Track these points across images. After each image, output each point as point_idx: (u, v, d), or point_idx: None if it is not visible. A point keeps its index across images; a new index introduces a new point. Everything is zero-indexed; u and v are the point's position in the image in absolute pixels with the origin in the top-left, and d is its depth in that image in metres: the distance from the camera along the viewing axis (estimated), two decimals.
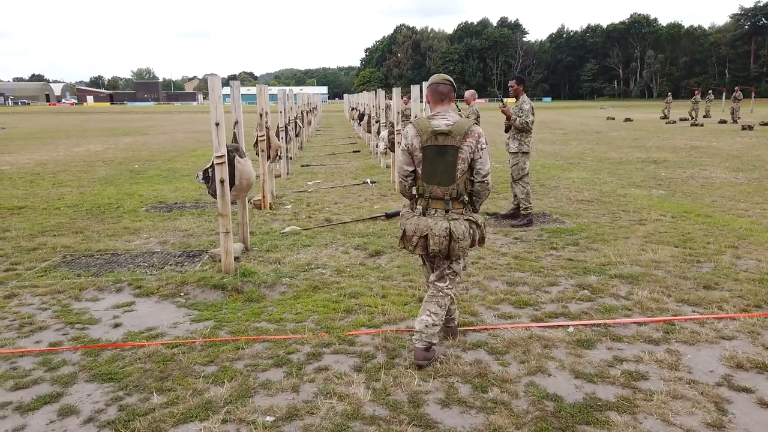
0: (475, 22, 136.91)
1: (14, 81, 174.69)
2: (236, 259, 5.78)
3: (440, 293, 3.65)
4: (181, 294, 4.96)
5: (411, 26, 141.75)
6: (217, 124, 5.17)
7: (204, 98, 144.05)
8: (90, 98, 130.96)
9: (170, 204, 9.09)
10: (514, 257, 5.83)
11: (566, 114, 45.16)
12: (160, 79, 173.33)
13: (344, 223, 7.57)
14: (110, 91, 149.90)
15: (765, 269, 5.24)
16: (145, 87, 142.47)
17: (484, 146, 3.49)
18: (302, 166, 13.89)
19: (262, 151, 8.38)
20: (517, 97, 7.29)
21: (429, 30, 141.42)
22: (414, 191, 3.67)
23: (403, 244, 3.68)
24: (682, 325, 4.09)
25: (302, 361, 3.66)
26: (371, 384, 3.33)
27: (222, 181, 5.27)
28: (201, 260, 5.92)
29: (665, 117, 33.14)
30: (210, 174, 5.57)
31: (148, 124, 36.60)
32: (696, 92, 34.11)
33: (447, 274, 3.67)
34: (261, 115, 8.26)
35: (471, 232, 3.52)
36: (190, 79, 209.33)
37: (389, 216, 7.81)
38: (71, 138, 23.99)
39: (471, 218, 3.54)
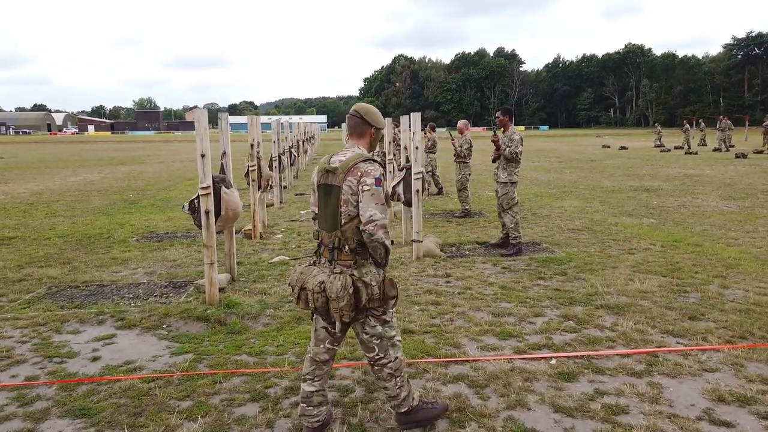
0: (473, 52, 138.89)
1: (16, 111, 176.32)
2: (222, 289, 5.76)
3: (375, 366, 3.10)
4: (164, 326, 4.92)
5: (409, 56, 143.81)
6: (202, 156, 5.20)
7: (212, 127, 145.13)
8: (91, 128, 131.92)
9: (161, 234, 9.08)
10: (501, 287, 5.80)
11: (562, 142, 45.50)
12: (162, 109, 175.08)
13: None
14: (111, 121, 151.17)
15: (752, 299, 5.22)
16: (146, 116, 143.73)
17: (366, 187, 2.85)
18: (296, 194, 13.93)
19: (253, 180, 8.41)
20: (505, 129, 7.36)
21: (427, 60, 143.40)
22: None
23: (291, 292, 3.14)
24: (665, 357, 4.05)
25: (279, 395, 3.62)
26: (347, 419, 3.28)
27: (207, 212, 5.28)
28: (186, 291, 5.89)
29: (661, 145, 33.37)
30: (196, 205, 5.58)
31: (146, 153, 36.81)
32: (685, 122, 34.50)
33: (365, 340, 3.07)
34: (252, 145, 8.31)
35: (350, 291, 2.84)
36: (191, 109, 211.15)
37: None
38: (69, 167, 24.11)
39: (356, 274, 2.89)
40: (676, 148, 31.10)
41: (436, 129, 13.63)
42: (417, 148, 6.84)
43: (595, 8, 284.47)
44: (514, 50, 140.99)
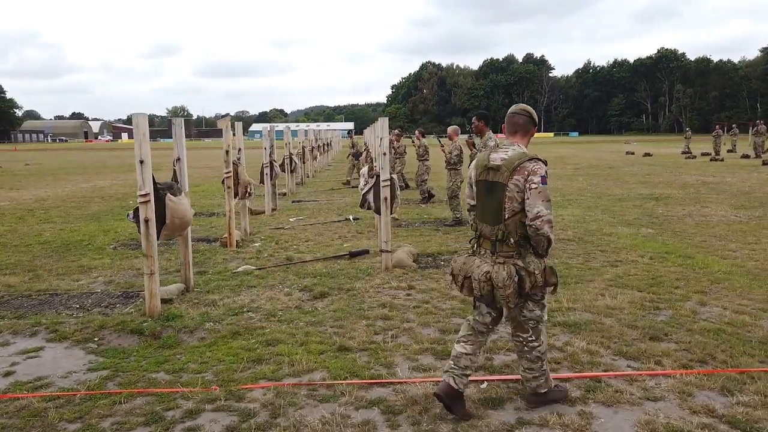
0: (501, 59, 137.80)
1: (55, 119, 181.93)
2: (170, 300, 5.56)
3: (526, 347, 3.34)
4: (96, 339, 4.73)
5: (437, 63, 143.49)
6: (141, 162, 5.02)
7: (234, 135, 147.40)
8: (125, 135, 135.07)
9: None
10: (461, 301, 5.45)
11: (586, 149, 44.54)
12: (194, 117, 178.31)
13: (304, 262, 7.30)
14: None
15: (726, 318, 4.77)
16: None
17: (534, 185, 3.07)
18: (293, 202, 13.75)
19: (228, 188, 8.23)
20: (481, 134, 7.06)
21: (455, 67, 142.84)
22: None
23: (453, 281, 3.45)
24: (608, 382, 3.66)
25: (176, 419, 3.36)
26: None
27: (146, 221, 5.08)
28: (135, 302, 5.70)
29: (688, 151, 32.30)
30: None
31: (168, 159, 37.24)
32: (717, 127, 33.38)
33: (522, 322, 3.33)
34: (227, 151, 8.14)
35: (515, 279, 3.08)
36: (222, 116, 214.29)
37: (354, 255, 7.52)
38: (86, 174, 24.49)
39: (520, 263, 3.13)
40: (702, 154, 30.04)
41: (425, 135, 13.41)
42: (385, 154, 6.56)
43: (628, 12, 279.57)
44: (543, 56, 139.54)
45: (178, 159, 6.00)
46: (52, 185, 19.15)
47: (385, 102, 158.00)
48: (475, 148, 7.13)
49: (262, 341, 4.55)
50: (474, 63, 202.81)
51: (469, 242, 3.48)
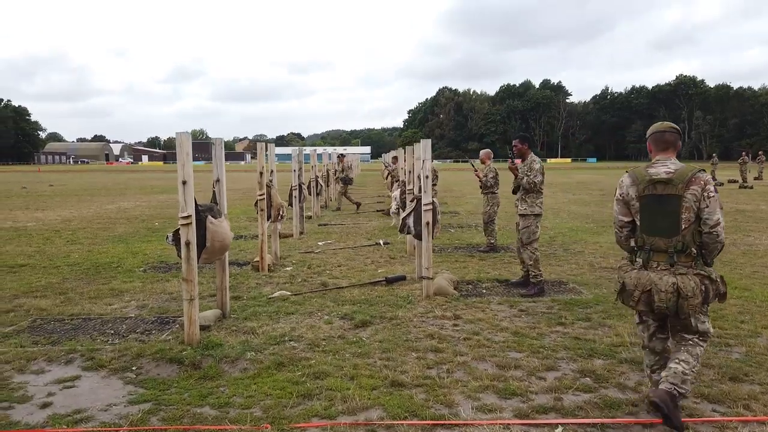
0: (518, 84, 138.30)
1: (77, 141, 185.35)
2: (208, 327, 5.34)
3: (690, 342, 3.38)
4: (134, 368, 4.50)
5: (453, 88, 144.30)
6: (183, 183, 4.84)
7: (252, 158, 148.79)
8: (145, 157, 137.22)
9: (171, 264, 8.79)
10: (513, 333, 5.16)
11: (607, 174, 44.06)
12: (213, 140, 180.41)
13: (340, 288, 7.05)
14: (164, 151, 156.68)
15: None
16: (197, 147, 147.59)
17: (711, 194, 3.25)
18: (320, 225, 13.56)
19: (262, 210, 8.06)
20: (523, 158, 6.81)
21: (471, 92, 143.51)
22: (632, 243, 3.52)
23: (622, 298, 3.51)
24: (696, 429, 3.34)
25: None
26: None
27: (187, 244, 4.89)
28: (171, 328, 5.48)
29: (713, 178, 31.71)
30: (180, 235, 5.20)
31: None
32: (744, 154, 32.83)
33: (690, 339, 3.38)
34: (261, 173, 7.98)
35: (703, 288, 3.23)
36: (240, 140, 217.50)
37: (390, 281, 7.26)
38: (110, 195, 24.60)
39: (702, 272, 3.27)
40: (730, 181, 29.50)
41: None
42: (427, 177, 6.34)
43: (646, 40, 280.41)
44: (560, 82, 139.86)
45: (218, 180, 5.82)
46: (76, 206, 19.20)
47: (402, 126, 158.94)
48: (519, 172, 6.80)
49: (308, 374, 4.28)
50: (490, 88, 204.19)
51: (629, 258, 3.54)
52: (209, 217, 5.25)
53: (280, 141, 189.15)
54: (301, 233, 11.72)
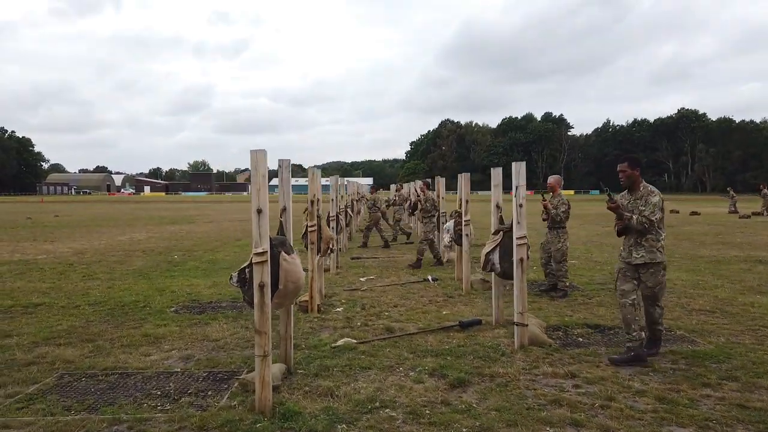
0: (520, 117, 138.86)
1: (80, 172, 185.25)
2: (275, 387, 4.36)
3: None
4: None
5: (455, 120, 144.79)
6: (258, 212, 3.94)
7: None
8: (147, 188, 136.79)
9: (203, 303, 7.84)
10: (657, 398, 4.19)
11: None
12: (214, 171, 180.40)
13: (410, 334, 6.09)
14: (166, 182, 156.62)
15: None
16: (199, 178, 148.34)
17: None
18: (352, 258, 12.60)
19: (312, 243, 7.14)
20: (632, 188, 5.87)
21: (473, 124, 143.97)
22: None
23: None
24: None
25: None
26: None
27: (262, 286, 3.96)
28: (229, 389, 4.50)
29: (735, 211, 30.89)
30: (247, 275, 4.29)
31: (197, 212, 36.64)
32: (763, 187, 32.05)
33: None
34: (312, 202, 7.09)
35: None
36: (242, 171, 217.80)
37: (464, 326, 6.30)
38: (119, 226, 23.68)
39: None
40: (754, 214, 28.64)
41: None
42: (521, 205, 5.44)
43: (644, 74, 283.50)
44: (561, 115, 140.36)
45: (284, 209, 4.93)
46: (86, 237, 18.26)
47: (404, 158, 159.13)
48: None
49: None
50: (492, 121, 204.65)
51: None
52: (282, 252, 4.33)
53: (282, 160, 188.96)
54: (338, 268, 10.77)
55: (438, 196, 12.02)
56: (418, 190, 12.16)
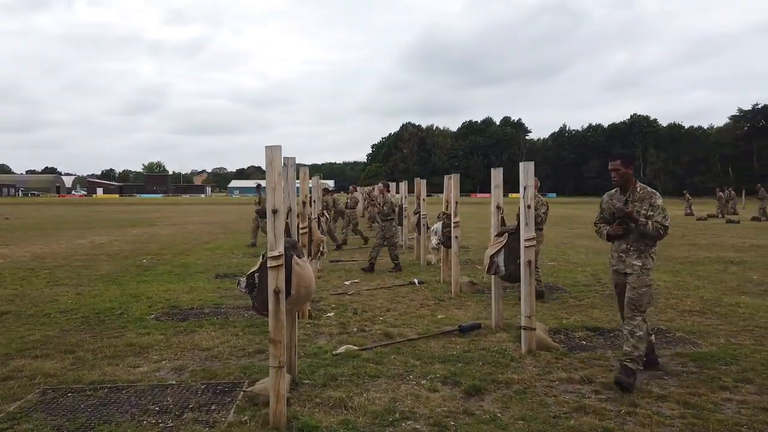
0: (479, 121, 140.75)
1: (27, 173, 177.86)
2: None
3: None
4: None
5: (416, 124, 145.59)
6: (274, 212, 3.68)
7: (212, 191, 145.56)
8: (100, 190, 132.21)
9: (185, 310, 7.45)
10: (680, 402, 4.12)
11: (583, 209, 44.14)
12: (170, 172, 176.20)
13: (411, 340, 5.89)
14: (120, 184, 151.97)
15: None
16: (155, 180, 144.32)
17: None
18: (331, 261, 12.32)
19: (303, 246, 6.86)
20: (624, 187, 5.81)
21: (434, 128, 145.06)
22: None
23: None
24: None
25: None
26: None
27: (277, 292, 3.70)
28: (233, 402, 4.20)
29: (691, 213, 31.94)
30: (256, 280, 4.01)
31: (156, 215, 35.51)
32: (718, 190, 33.30)
33: None
34: (304, 203, 6.83)
35: None
36: (199, 173, 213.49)
37: (465, 330, 6.14)
38: (75, 229, 22.66)
39: None
40: (709, 216, 29.64)
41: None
42: (529, 207, 5.32)
43: (597, 81, 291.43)
44: (520, 119, 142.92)
45: (290, 210, 4.66)
46: (43, 241, 17.35)
47: (365, 161, 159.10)
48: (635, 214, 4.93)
49: None
50: (452, 124, 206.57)
51: None
52: (294, 256, 4.07)
53: (241, 174, 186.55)
54: (320, 271, 10.48)
55: (418, 198, 11.88)
56: (375, 193, 12.00)
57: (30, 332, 6.23)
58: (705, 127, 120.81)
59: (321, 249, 7.48)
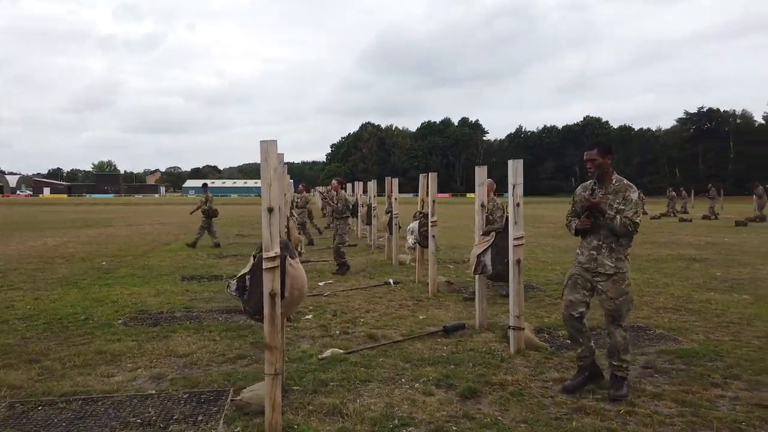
0: (438, 121, 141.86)
1: None
2: None
3: None
4: None
5: (376, 124, 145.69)
6: (269, 210, 3.49)
7: (166, 191, 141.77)
8: (47, 190, 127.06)
9: (154, 314, 7.11)
10: (675, 401, 4.12)
11: (547, 208, 45.01)
12: (122, 172, 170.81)
13: (396, 342, 5.76)
14: (69, 183, 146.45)
15: None
16: (106, 179, 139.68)
17: None
18: (302, 262, 12.05)
19: None
20: (602, 180, 5.81)
21: (393, 128, 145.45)
22: None
23: None
24: None
25: None
26: None
27: (272, 295, 3.50)
28: (221, 411, 3.98)
29: (645, 212, 32.96)
30: (247, 282, 3.81)
31: (111, 215, 34.31)
32: (670, 190, 34.52)
33: None
34: (290, 203, 6.60)
35: None
36: (152, 172, 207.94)
37: (449, 330, 6.05)
38: (26, 230, 21.61)
39: None
40: (662, 215, 30.63)
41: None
42: (518, 205, 5.27)
43: (550, 83, 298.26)
44: (477, 120, 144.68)
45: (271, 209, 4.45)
46: None
47: (324, 161, 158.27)
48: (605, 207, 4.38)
49: None
50: (411, 124, 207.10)
51: None
52: (288, 257, 3.88)
53: (195, 173, 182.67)
54: None
55: (389, 197, 11.77)
56: (328, 190, 11.58)
57: None
58: (654, 129, 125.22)
59: (299, 249, 7.26)
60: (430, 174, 8.44)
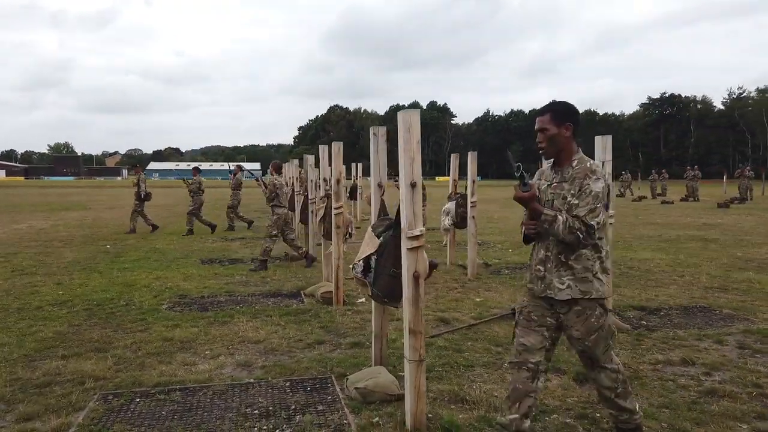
0: (407, 105, 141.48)
1: None
2: (401, 397, 3.68)
3: None
4: None
5: (344, 107, 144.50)
6: (413, 185, 3.22)
7: (129, 173, 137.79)
8: (2, 172, 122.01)
9: (196, 298, 6.76)
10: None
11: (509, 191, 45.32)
12: (80, 154, 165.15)
13: (472, 325, 5.58)
14: (25, 165, 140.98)
15: None
16: (64, 161, 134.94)
17: None
18: (317, 244, 11.75)
19: (338, 227, 6.37)
20: (559, 159, 5.72)
21: (362, 111, 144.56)
22: None
23: None
24: None
25: None
26: None
27: (417, 277, 3.25)
28: (336, 399, 3.73)
29: (622, 194, 33.61)
30: (373, 263, 3.54)
31: (84, 198, 33.08)
32: (654, 172, 35.36)
33: None
34: (338, 180, 6.31)
35: None
36: (111, 154, 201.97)
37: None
38: (3, 213, 20.58)
39: None
40: (641, 198, 31.21)
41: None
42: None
43: (513, 68, 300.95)
44: (446, 104, 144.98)
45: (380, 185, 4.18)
46: None
47: (291, 143, 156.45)
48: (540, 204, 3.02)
49: None
50: (380, 107, 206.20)
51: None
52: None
53: (158, 156, 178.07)
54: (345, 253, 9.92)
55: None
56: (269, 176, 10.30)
57: (35, 328, 5.38)
58: (617, 114, 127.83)
59: (350, 230, 7.00)
60: (470, 153, 8.23)
